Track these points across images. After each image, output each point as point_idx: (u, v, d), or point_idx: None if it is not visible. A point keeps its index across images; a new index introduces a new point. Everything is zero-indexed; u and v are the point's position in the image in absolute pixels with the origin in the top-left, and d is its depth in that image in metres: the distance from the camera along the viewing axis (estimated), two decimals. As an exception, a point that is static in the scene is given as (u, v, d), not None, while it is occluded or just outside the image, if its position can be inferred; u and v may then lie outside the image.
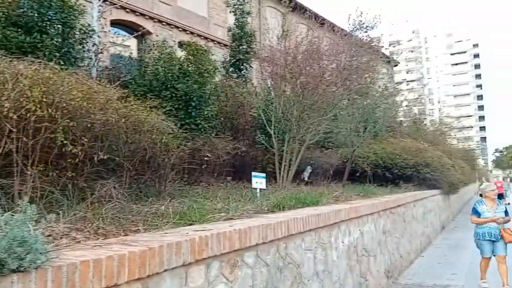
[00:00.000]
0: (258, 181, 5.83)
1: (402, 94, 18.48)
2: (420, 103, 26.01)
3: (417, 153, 12.73)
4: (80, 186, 3.78)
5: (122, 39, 10.15)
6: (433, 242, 12.11)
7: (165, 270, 2.30)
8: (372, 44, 11.26)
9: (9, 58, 3.88)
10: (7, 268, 1.65)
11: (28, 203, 2.01)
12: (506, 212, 6.91)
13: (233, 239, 2.87)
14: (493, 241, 6.78)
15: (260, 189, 5.78)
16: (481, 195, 21.85)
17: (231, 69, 12.12)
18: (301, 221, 3.89)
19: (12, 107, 3.09)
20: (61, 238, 2.60)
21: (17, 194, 3.17)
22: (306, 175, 9.37)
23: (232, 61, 12.20)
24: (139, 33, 11.07)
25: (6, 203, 2.97)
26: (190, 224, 3.40)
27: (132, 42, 13.56)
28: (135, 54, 11.10)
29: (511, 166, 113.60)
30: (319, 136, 9.40)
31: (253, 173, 5.96)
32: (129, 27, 14.68)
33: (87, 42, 7.28)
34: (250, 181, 6.17)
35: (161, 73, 7.52)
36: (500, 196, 20.92)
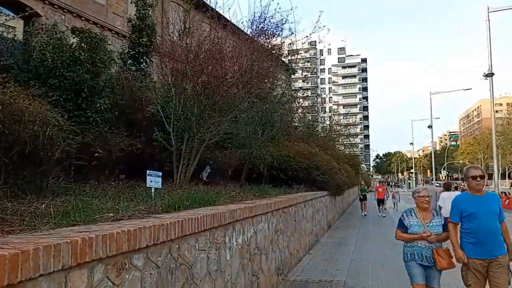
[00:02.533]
0: (153, 179, 5.64)
1: (298, 101, 19.53)
2: (314, 110, 27.70)
3: (309, 156, 13.55)
4: None
5: (5, 19, 9.02)
6: (320, 240, 12.98)
7: (41, 275, 2.07)
8: (273, 51, 11.68)
9: None
10: None
11: None
12: (444, 226, 4.86)
13: (121, 241, 2.70)
14: (425, 266, 4.79)
15: (155, 188, 5.59)
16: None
17: (129, 61, 11.56)
18: (195, 221, 3.84)
19: None
20: None
21: None
22: (204, 174, 9.34)
23: (131, 53, 11.65)
24: (26, 14, 9.95)
25: None
26: (74, 225, 3.13)
27: (18, 24, 12.16)
28: (20, 37, 9.96)
29: (388, 171, 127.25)
30: (219, 136, 9.44)
31: (148, 171, 5.74)
32: (15, 6, 13.15)
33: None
34: (145, 179, 5.93)
35: (49, 60, 6.87)
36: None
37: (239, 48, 10.22)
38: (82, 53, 7.15)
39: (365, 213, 22.82)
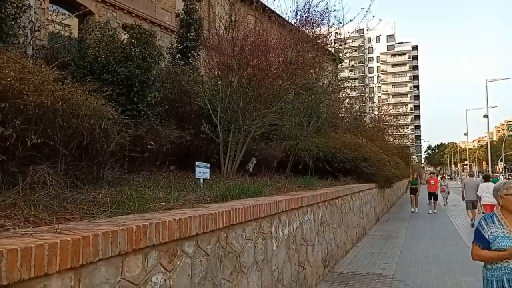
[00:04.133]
0: (202, 171, 5.79)
1: (345, 91, 19.16)
2: (361, 100, 27.08)
3: (356, 148, 13.31)
4: (11, 171, 3.54)
5: (62, 18, 9.56)
6: (368, 233, 12.77)
7: (100, 260, 2.23)
8: (318, 41, 11.54)
9: None
10: None
11: None
12: None
13: (173, 228, 2.83)
14: None
15: (203, 179, 5.75)
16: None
17: (178, 56, 11.87)
18: (242, 211, 3.92)
19: None
20: (-14, 226, 2.43)
21: None
22: (250, 166, 9.45)
23: (179, 47, 11.95)
24: (81, 12, 10.49)
25: None
26: (129, 213, 3.31)
27: (73, 22, 12.83)
28: (75, 34, 10.51)
29: (441, 163, 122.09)
30: (264, 128, 9.50)
31: (197, 163, 5.91)
32: (70, 5, 13.86)
33: (21, 17, 6.78)
34: (194, 171, 6.12)
35: (102, 56, 7.20)
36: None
37: (284, 39, 10.18)
38: (133, 49, 7.44)
39: (415, 209, 19.67)
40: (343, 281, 7.05)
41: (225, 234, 3.66)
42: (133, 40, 7.64)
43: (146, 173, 6.50)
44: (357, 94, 26.11)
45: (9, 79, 3.38)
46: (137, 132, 6.70)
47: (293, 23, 11.02)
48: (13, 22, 6.58)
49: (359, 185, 11.92)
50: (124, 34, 8.16)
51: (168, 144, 7.57)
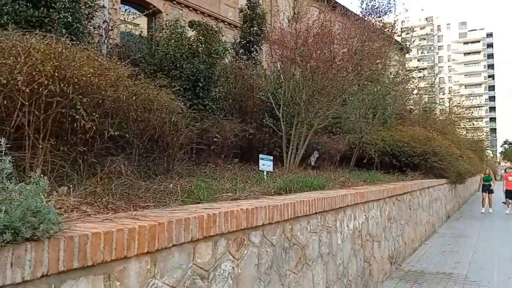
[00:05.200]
0: (265, 163, 5.86)
1: (413, 82, 18.27)
2: (431, 91, 25.68)
3: (426, 141, 12.66)
4: (90, 162, 3.82)
5: (133, 17, 10.09)
6: (438, 231, 12.15)
7: (174, 245, 2.33)
8: (384, 30, 11.11)
9: (20, 32, 3.88)
10: (21, 236, 1.68)
11: (41, 175, 2.04)
12: None
13: (240, 218, 2.89)
14: None
15: (267, 171, 5.80)
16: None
17: (241, 50, 12.04)
18: (307, 204, 3.91)
19: (25, 80, 3.11)
20: (71, 211, 2.64)
21: (28, 167, 3.20)
22: (313, 159, 9.38)
23: (243, 42, 12.11)
24: (150, 11, 11.00)
25: (18, 175, 3.02)
26: (198, 203, 3.43)
27: (142, 21, 13.47)
28: (145, 33, 11.05)
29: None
30: (327, 121, 9.37)
31: (261, 156, 5.98)
32: (140, 5, 14.57)
33: (96, 17, 7.24)
34: (257, 163, 6.20)
35: (171, 53, 7.50)
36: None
37: (348, 30, 9.94)
38: (200, 45, 7.66)
39: (489, 209, 17.13)
40: (411, 279, 6.78)
41: (290, 226, 3.67)
42: (199, 37, 7.87)
43: (212, 165, 6.69)
44: (427, 85, 24.80)
45: (88, 75, 3.63)
46: (203, 125, 6.92)
47: (358, 12, 10.71)
48: (88, 22, 7.03)
49: (429, 181, 11.36)
50: (192, 31, 8.43)
51: (232, 137, 7.72)
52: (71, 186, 3.07)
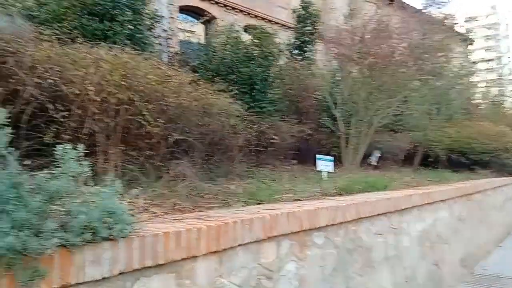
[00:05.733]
0: (324, 164, 5.78)
1: (479, 74, 17.17)
2: (499, 83, 24.00)
3: (496, 137, 11.82)
4: (156, 165, 3.98)
5: (191, 25, 10.43)
6: (513, 233, 11.28)
7: (239, 245, 2.37)
8: (445, 21, 10.57)
9: (88, 45, 4.15)
10: (99, 236, 1.79)
11: (114, 179, 2.16)
12: None
13: (302, 219, 2.87)
14: None
15: (326, 172, 5.72)
16: None
17: (295, 51, 12.00)
18: (370, 204, 3.80)
19: (95, 90, 3.32)
20: (141, 212, 2.77)
21: (101, 171, 3.41)
22: (373, 159, 9.10)
23: (297, 43, 12.07)
24: (207, 18, 11.31)
25: (92, 179, 3.22)
26: (259, 203, 3.46)
27: (199, 28, 13.87)
28: (202, 40, 11.37)
29: None
30: (388, 119, 9.06)
31: (318, 156, 5.91)
32: (196, 13, 15.02)
33: (156, 28, 7.54)
34: (315, 164, 6.13)
35: (228, 58, 7.64)
36: None
37: (407, 23, 9.56)
38: (255, 49, 7.75)
39: None
40: (485, 284, 6.34)
41: (354, 228, 3.58)
42: (254, 41, 7.96)
43: (270, 166, 6.72)
44: (495, 77, 23.19)
45: (152, 83, 3.80)
46: (260, 127, 6.97)
47: (416, 5, 10.28)
48: (149, 32, 7.35)
49: (501, 179, 10.58)
50: (248, 34, 8.55)
51: (289, 138, 7.71)
52: (140, 188, 3.22)
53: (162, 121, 3.85)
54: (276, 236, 2.63)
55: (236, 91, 7.04)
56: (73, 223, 1.75)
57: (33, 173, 1.87)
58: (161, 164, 4.08)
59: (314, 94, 9.39)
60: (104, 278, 1.77)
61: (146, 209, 2.88)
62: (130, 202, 2.85)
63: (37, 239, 1.58)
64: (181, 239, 2.05)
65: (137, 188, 3.25)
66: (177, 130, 4.24)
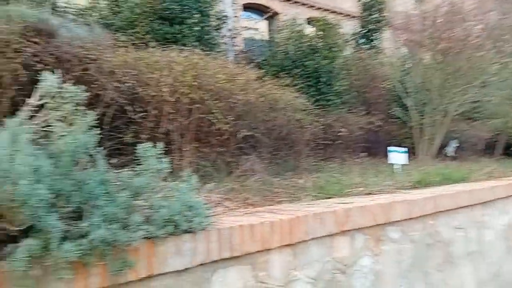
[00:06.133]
0: (397, 156, 5.55)
1: None
2: None
3: None
4: (226, 161, 4.10)
5: (255, 22, 10.56)
6: None
7: (312, 239, 2.37)
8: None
9: (160, 48, 4.36)
10: (179, 228, 1.89)
11: (190, 175, 2.26)
12: None
13: (376, 212, 2.80)
14: None
15: (399, 164, 5.50)
16: None
17: (361, 40, 11.65)
18: (450, 197, 3.60)
19: (169, 91, 3.48)
20: (215, 206, 2.88)
21: (177, 168, 3.58)
22: (450, 150, 8.58)
23: (363, 32, 11.71)
24: (270, 14, 11.36)
25: (169, 176, 3.40)
26: (329, 198, 3.42)
27: (262, 24, 13.96)
28: (266, 36, 11.45)
29: None
30: (465, 107, 8.48)
31: (390, 148, 5.69)
32: (259, 10, 15.13)
33: (222, 27, 7.72)
34: (386, 156, 5.91)
35: (291, 52, 7.62)
36: None
37: (483, 3, 8.86)
38: (319, 41, 7.65)
39: None
40: None
41: (432, 222, 3.42)
42: (318, 33, 7.85)
43: (339, 160, 6.60)
44: None
45: (221, 82, 3.91)
46: (327, 121, 6.87)
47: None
48: (216, 33, 7.55)
49: None
50: (312, 27, 8.47)
51: (357, 130, 7.52)
52: (213, 183, 3.34)
53: (231, 118, 3.94)
54: (349, 230, 2.60)
55: (301, 85, 7.01)
56: (155, 216, 1.86)
57: (116, 171, 2.02)
58: (231, 159, 4.19)
59: (383, 84, 9.05)
60: (185, 269, 1.86)
61: (219, 203, 2.98)
62: (205, 196, 2.97)
63: (125, 232, 1.70)
64: (255, 232, 2.10)
65: (210, 183, 3.37)
66: (245, 126, 4.32)
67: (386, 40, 11.89)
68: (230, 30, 8.01)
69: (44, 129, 1.72)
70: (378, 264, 2.80)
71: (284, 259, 2.26)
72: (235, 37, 8.33)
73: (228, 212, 2.68)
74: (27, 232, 1.55)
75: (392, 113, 8.58)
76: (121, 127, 3.57)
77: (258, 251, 2.13)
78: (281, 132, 5.13)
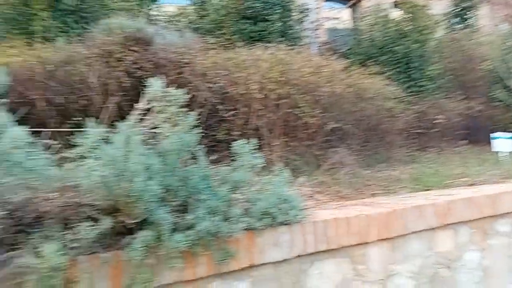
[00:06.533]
0: (502, 143, 5.08)
1: None
2: None
3: None
4: (314, 154, 4.10)
5: (338, 11, 10.33)
6: None
7: (411, 233, 2.28)
8: None
9: (246, 47, 4.48)
10: (276, 221, 1.95)
11: (282, 169, 2.31)
12: None
13: (481, 204, 2.60)
14: None
15: (505, 152, 5.02)
16: None
17: (454, 20, 10.78)
18: None
19: (257, 88, 3.58)
20: (307, 199, 2.90)
21: (268, 162, 3.67)
22: None
23: (456, 10, 10.83)
24: (353, 2, 11.03)
25: (260, 170, 3.50)
26: (427, 189, 3.25)
27: (346, 13, 13.60)
28: (349, 25, 11.14)
29: None
30: None
31: (493, 135, 5.22)
32: (340, -1, 14.75)
33: (305, 20, 7.68)
34: (488, 144, 5.43)
35: (378, 38, 7.32)
36: None
37: None
38: (407, 25, 7.25)
39: None
40: None
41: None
42: (405, 16, 7.45)
43: (435, 149, 6.22)
44: None
45: (307, 75, 3.91)
46: (420, 108, 6.51)
47: None
48: (298, 26, 7.54)
49: None
50: (400, 10, 8.06)
51: (454, 117, 7.00)
52: (303, 177, 3.36)
53: (318, 111, 3.93)
54: (451, 223, 2.45)
55: (390, 72, 6.71)
56: (253, 209, 1.94)
57: (213, 166, 2.14)
58: (319, 152, 4.17)
59: (481, 65, 8.29)
60: (284, 260, 1.92)
61: (311, 196, 3.00)
62: (296, 190, 3.01)
63: (226, 224, 1.80)
64: (351, 225, 2.09)
65: (300, 176, 3.40)
66: (332, 119, 4.27)
67: (483, 17, 10.86)
68: (312, 22, 7.94)
69: (152, 130, 1.88)
70: (486, 259, 2.60)
71: (382, 253, 2.21)
72: (317, 29, 8.24)
73: (320, 205, 2.69)
74: (141, 224, 1.72)
75: (494, 96, 7.84)
76: (214, 126, 3.76)
77: (355, 245, 2.11)
78: (370, 122, 4.98)
